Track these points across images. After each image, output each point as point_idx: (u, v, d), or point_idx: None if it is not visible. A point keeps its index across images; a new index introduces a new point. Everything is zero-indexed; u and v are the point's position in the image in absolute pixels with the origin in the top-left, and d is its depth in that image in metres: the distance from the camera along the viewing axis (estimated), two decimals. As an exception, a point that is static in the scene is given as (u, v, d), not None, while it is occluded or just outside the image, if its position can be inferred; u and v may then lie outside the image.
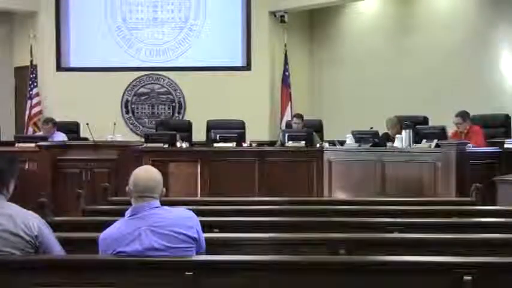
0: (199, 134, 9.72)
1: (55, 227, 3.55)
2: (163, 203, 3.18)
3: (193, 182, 8.17)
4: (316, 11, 11.69)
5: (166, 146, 8.45)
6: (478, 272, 2.87)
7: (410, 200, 5.78)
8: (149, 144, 8.47)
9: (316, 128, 9.28)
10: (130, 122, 11.40)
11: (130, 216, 3.11)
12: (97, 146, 8.09)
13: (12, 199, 3.18)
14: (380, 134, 8.13)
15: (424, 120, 8.40)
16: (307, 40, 12.07)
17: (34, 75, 11.21)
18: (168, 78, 11.37)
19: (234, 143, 8.50)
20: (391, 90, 10.70)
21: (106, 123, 8.84)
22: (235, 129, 8.91)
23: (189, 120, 10.10)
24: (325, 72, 11.77)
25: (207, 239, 3.26)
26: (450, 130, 7.79)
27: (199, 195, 8.06)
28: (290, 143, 8.46)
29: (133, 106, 11.41)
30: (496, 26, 9.69)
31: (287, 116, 10.96)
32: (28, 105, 11.11)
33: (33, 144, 8.15)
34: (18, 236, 3.01)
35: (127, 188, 3.16)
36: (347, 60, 11.47)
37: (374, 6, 11.23)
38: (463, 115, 7.73)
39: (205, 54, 11.35)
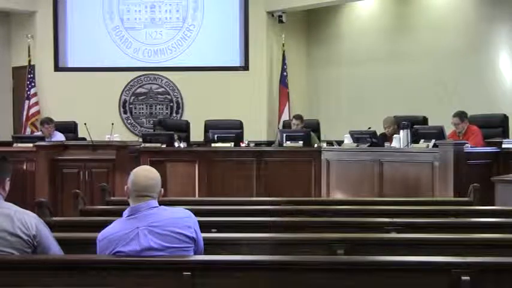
0: (197, 134, 9.72)
1: (53, 226, 3.56)
2: (161, 203, 3.17)
3: (191, 182, 8.18)
4: (314, 11, 11.69)
5: (164, 146, 8.45)
6: (476, 272, 2.86)
7: (408, 200, 5.79)
8: (147, 144, 8.48)
9: (314, 128, 9.26)
10: (128, 122, 11.40)
11: (128, 216, 3.10)
12: (95, 146, 8.08)
13: (11, 199, 3.17)
14: (378, 134, 8.13)
15: (424, 120, 8.39)
16: (305, 40, 12.07)
17: (32, 75, 11.21)
18: (166, 78, 11.37)
19: (232, 143, 8.50)
20: (389, 90, 10.70)
21: (104, 123, 8.83)
22: (233, 129, 8.91)
23: (187, 120, 10.09)
24: (323, 72, 11.77)
25: (205, 239, 3.26)
26: (449, 130, 7.79)
27: (197, 195, 8.06)
28: (288, 143, 8.44)
29: (131, 106, 11.41)
30: (495, 26, 9.70)
31: (285, 116, 10.95)
32: (26, 105, 11.11)
33: (31, 145, 8.14)
34: (16, 236, 3.00)
35: (125, 188, 3.16)
36: (345, 60, 11.47)
37: (372, 6, 11.22)
38: (461, 115, 7.74)
39: (203, 54, 11.35)
